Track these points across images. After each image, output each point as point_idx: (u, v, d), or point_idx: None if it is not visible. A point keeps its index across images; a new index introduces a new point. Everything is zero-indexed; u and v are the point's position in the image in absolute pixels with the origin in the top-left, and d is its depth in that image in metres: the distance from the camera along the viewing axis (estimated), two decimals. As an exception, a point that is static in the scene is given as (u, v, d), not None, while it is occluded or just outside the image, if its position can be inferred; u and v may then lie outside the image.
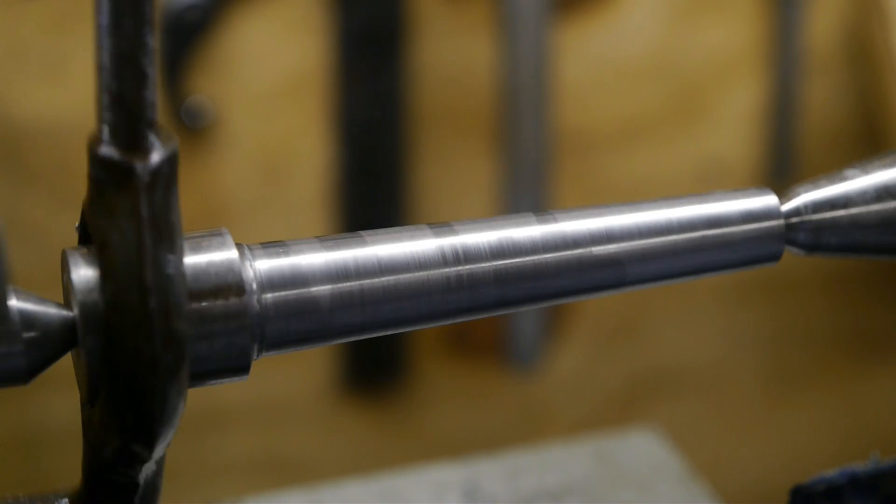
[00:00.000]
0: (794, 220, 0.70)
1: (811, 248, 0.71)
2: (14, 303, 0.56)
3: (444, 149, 1.74)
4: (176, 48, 1.60)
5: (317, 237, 0.64)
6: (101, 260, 0.57)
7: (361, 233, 0.64)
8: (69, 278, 0.57)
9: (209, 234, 0.61)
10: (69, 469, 1.88)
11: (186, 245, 0.59)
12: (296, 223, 1.72)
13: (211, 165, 1.67)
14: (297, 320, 0.61)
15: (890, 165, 0.71)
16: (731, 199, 0.70)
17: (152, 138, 0.56)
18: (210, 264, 0.59)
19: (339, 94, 1.68)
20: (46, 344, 0.56)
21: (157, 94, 0.56)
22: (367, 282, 0.62)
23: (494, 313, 0.67)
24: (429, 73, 1.71)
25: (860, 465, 0.74)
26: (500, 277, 0.65)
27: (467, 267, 0.64)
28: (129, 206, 0.57)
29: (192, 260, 0.59)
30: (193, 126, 1.63)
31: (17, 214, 1.55)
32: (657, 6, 1.78)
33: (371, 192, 1.71)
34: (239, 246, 0.61)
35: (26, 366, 0.56)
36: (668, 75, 1.81)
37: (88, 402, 0.59)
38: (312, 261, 0.62)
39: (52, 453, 1.71)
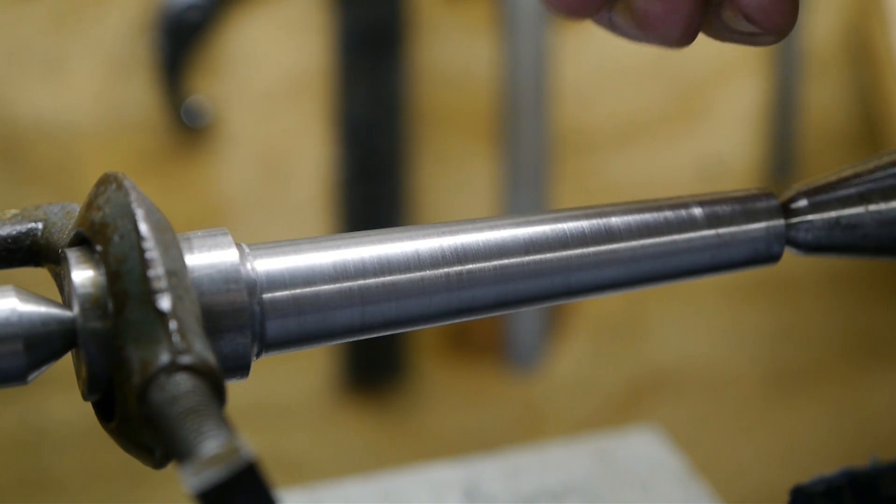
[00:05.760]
0: (794, 220, 0.70)
1: (811, 248, 0.71)
2: (14, 302, 0.56)
3: (444, 149, 1.74)
4: (176, 48, 1.60)
5: (316, 237, 0.64)
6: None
7: (361, 233, 0.64)
8: (69, 278, 0.57)
9: (209, 234, 0.61)
10: (69, 469, 1.89)
11: (186, 245, 0.59)
12: (296, 223, 1.72)
13: (211, 165, 1.67)
14: (296, 320, 0.61)
15: (889, 165, 0.71)
16: (731, 199, 0.70)
17: None
18: (210, 264, 0.59)
19: (339, 94, 1.68)
20: (46, 344, 0.56)
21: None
22: (366, 281, 0.62)
23: (494, 313, 0.67)
24: (429, 73, 1.71)
25: (860, 465, 0.74)
26: (500, 277, 0.65)
27: (467, 266, 0.64)
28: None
29: (191, 260, 0.59)
30: (193, 126, 1.63)
31: (17, 214, 1.55)
32: (657, 6, 1.77)
33: (371, 192, 1.71)
34: (239, 246, 0.61)
35: (26, 366, 0.56)
36: (668, 75, 1.81)
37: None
38: (312, 260, 0.62)
39: (52, 453, 1.71)
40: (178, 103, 1.62)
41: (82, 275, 0.57)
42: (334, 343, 0.64)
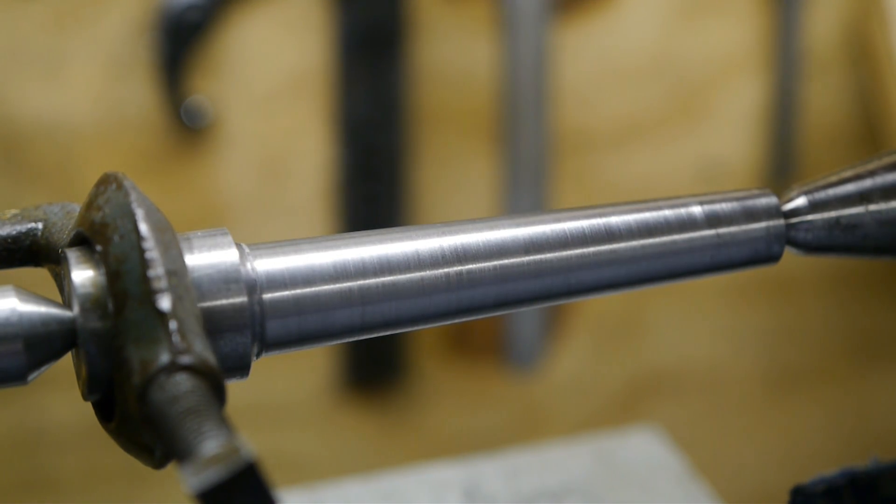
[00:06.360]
0: (794, 220, 0.71)
1: (811, 248, 0.71)
2: (14, 302, 0.56)
3: (444, 149, 1.74)
4: (176, 48, 1.60)
5: (316, 237, 0.64)
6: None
7: (361, 233, 0.64)
8: (69, 278, 0.57)
9: (209, 234, 0.61)
10: (69, 469, 1.88)
11: (186, 245, 0.59)
12: (296, 223, 1.72)
13: (211, 165, 1.67)
14: (296, 320, 0.61)
15: (889, 166, 0.71)
16: (731, 199, 0.70)
17: None
18: (210, 264, 0.59)
19: (339, 94, 1.68)
20: (46, 344, 0.56)
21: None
22: (366, 281, 0.62)
23: (494, 313, 0.67)
24: (429, 73, 1.71)
25: (860, 465, 0.74)
26: (500, 277, 0.65)
27: (467, 266, 0.64)
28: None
29: (191, 260, 0.59)
30: (193, 126, 1.63)
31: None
32: (657, 6, 1.78)
33: (371, 192, 1.71)
34: (239, 246, 0.61)
35: (26, 366, 0.56)
36: (668, 75, 1.81)
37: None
38: (312, 261, 0.62)
39: (52, 453, 1.71)
40: (178, 103, 1.62)
41: (82, 275, 0.57)
42: (334, 343, 0.64)
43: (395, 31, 1.67)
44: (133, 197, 0.57)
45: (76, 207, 0.65)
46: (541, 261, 0.66)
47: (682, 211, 0.69)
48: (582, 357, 1.89)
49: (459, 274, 0.64)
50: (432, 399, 1.84)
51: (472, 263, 0.64)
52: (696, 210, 0.69)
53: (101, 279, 0.57)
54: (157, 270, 0.55)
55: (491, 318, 0.68)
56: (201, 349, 0.54)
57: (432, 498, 1.08)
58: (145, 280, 0.55)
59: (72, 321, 0.57)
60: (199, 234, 0.61)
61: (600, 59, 1.77)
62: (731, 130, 1.86)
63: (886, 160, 0.71)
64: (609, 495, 1.09)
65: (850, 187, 0.71)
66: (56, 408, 1.69)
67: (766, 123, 1.86)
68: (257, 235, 1.66)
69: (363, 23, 1.66)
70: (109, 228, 0.57)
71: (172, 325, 0.54)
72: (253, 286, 0.60)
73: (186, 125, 1.63)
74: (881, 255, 0.72)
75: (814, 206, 0.70)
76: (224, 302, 0.59)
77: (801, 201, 0.71)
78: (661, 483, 1.10)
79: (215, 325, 0.59)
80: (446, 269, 0.64)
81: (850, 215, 0.70)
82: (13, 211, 0.66)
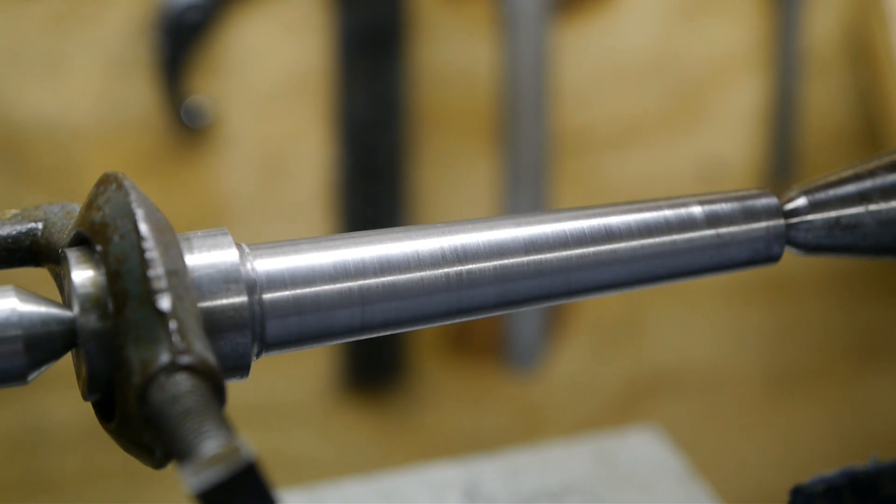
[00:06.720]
0: (794, 220, 0.71)
1: (811, 248, 0.71)
2: (14, 302, 0.56)
3: (444, 149, 1.74)
4: (176, 48, 1.60)
5: (316, 237, 0.64)
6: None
7: (361, 233, 0.64)
8: (69, 278, 0.57)
9: (209, 234, 0.61)
10: (69, 469, 1.88)
11: (186, 245, 0.59)
12: (296, 223, 1.72)
13: (211, 165, 1.67)
14: (296, 320, 0.61)
15: (889, 166, 0.71)
16: (731, 199, 0.70)
17: None
18: (210, 264, 0.59)
19: (339, 94, 1.68)
20: (46, 344, 0.56)
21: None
22: (366, 281, 0.62)
23: (494, 313, 0.67)
24: (429, 73, 1.71)
25: (860, 465, 0.74)
26: (500, 277, 0.65)
27: (467, 266, 0.64)
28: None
29: (191, 260, 0.59)
30: (193, 126, 1.63)
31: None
32: (657, 6, 1.78)
33: (371, 192, 1.71)
34: (239, 246, 0.61)
35: (26, 365, 0.56)
36: (668, 75, 1.81)
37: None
38: (312, 261, 0.62)
39: (52, 453, 1.71)
40: (178, 103, 1.62)
41: (82, 275, 0.57)
42: (334, 343, 0.64)
43: (395, 32, 1.67)
44: (133, 197, 0.57)
45: (76, 207, 0.65)
46: (541, 261, 0.66)
47: (682, 211, 0.69)
48: (582, 357, 1.89)
49: (459, 274, 0.64)
50: (432, 399, 1.84)
51: (472, 263, 0.64)
52: (696, 210, 0.69)
53: (101, 279, 0.57)
54: (157, 270, 0.55)
55: (491, 318, 0.68)
56: (201, 349, 0.54)
57: (432, 498, 1.08)
58: (145, 280, 0.55)
59: (72, 321, 0.57)
60: (199, 234, 0.61)
61: (600, 59, 1.77)
62: (731, 130, 1.86)
63: (886, 160, 0.71)
64: (609, 495, 1.09)
65: (850, 187, 0.70)
66: (56, 408, 1.69)
67: (766, 123, 1.86)
68: (257, 235, 1.66)
69: (363, 23, 1.66)
70: (109, 228, 0.57)
71: (172, 325, 0.54)
72: (253, 286, 0.60)
73: (186, 125, 1.63)
74: (881, 255, 0.72)
75: (814, 206, 0.70)
76: (224, 302, 0.59)
77: (801, 201, 0.71)
78: (661, 483, 1.10)
79: (215, 325, 0.59)
80: (446, 269, 0.64)
81: (850, 215, 0.70)
82: (13, 211, 0.66)
